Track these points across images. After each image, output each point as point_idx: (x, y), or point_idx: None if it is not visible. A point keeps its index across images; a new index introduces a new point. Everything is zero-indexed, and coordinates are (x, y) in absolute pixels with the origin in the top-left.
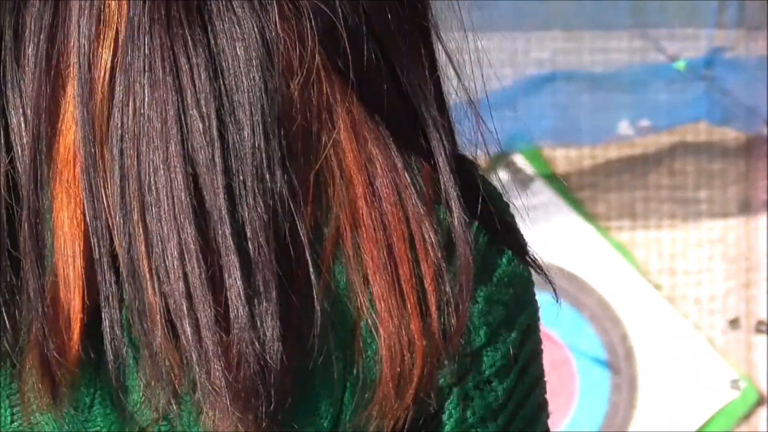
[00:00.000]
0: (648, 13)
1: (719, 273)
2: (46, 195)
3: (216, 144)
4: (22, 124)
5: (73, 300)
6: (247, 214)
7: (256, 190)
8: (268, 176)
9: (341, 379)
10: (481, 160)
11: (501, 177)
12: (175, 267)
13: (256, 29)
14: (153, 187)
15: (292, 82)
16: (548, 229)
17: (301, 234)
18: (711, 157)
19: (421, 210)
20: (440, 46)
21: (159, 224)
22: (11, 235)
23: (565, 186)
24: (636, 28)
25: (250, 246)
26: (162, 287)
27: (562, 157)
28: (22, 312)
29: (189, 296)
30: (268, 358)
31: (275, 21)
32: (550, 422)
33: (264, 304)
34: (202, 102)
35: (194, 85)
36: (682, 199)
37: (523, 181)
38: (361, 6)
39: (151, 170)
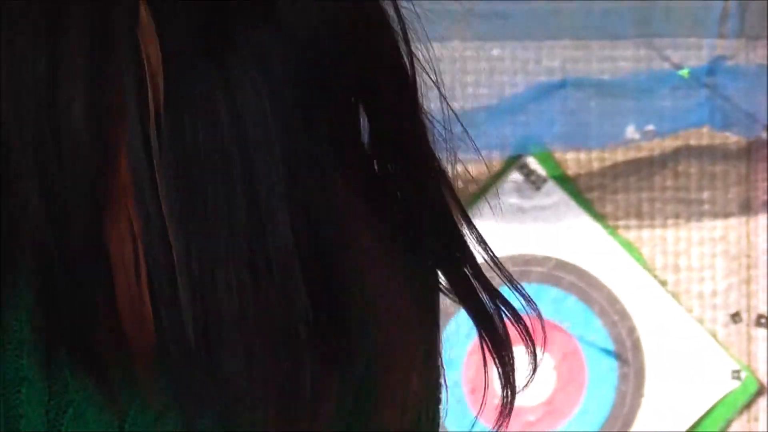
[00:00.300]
0: (652, 24)
1: (721, 270)
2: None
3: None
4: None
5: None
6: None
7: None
8: None
9: None
10: (497, 162)
11: (516, 178)
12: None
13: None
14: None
15: None
16: (559, 228)
17: None
18: (713, 160)
19: None
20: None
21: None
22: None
23: (575, 187)
24: (641, 38)
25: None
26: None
27: (573, 160)
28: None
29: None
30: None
31: None
32: (563, 409)
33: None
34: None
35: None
36: (686, 199)
37: (535, 183)
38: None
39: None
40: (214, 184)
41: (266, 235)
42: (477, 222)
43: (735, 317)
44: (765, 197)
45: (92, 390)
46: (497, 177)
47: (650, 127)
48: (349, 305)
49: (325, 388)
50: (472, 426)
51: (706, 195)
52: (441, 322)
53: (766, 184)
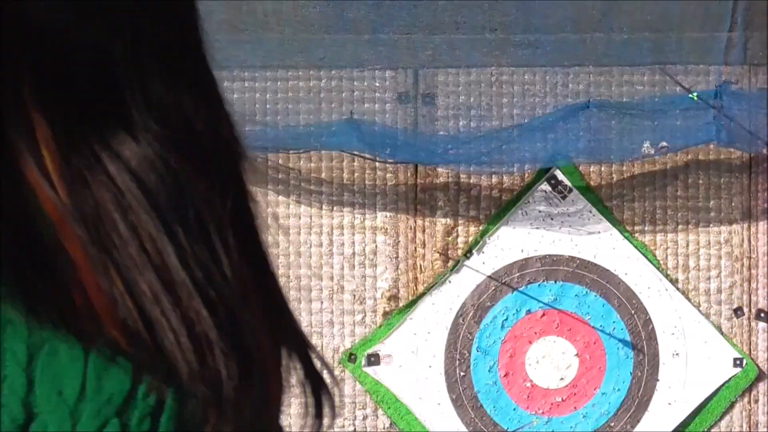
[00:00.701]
0: (666, 53)
1: (725, 269)
2: None
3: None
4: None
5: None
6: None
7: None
8: None
9: None
10: (528, 174)
11: (545, 188)
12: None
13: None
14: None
15: None
16: (582, 232)
17: None
18: (719, 172)
19: None
20: None
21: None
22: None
23: (597, 196)
24: (656, 65)
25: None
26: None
27: (595, 172)
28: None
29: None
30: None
31: None
32: (585, 392)
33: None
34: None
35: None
36: (694, 207)
37: (562, 192)
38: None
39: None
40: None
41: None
42: (511, 227)
43: (737, 312)
44: (765, 206)
45: (64, 332)
46: (529, 187)
47: (664, 144)
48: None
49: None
50: (505, 403)
51: (712, 203)
52: (480, 315)
53: (766, 194)
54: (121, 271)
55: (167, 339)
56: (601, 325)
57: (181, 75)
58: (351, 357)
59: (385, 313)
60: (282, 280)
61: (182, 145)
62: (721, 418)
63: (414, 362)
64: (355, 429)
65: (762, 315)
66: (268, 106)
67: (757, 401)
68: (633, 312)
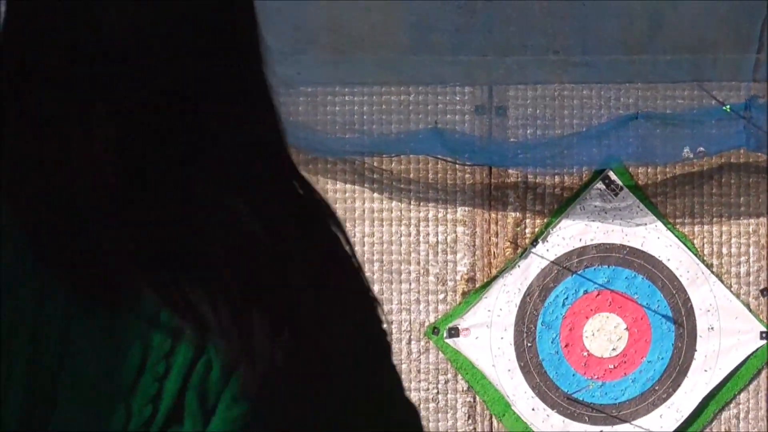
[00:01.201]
0: (703, 71)
1: (753, 256)
2: None
3: None
4: None
5: None
6: None
7: None
8: None
9: None
10: (586, 175)
11: (600, 186)
12: None
13: None
14: None
15: None
16: (631, 224)
17: None
18: (748, 173)
19: None
20: None
21: None
22: None
23: (644, 193)
24: (695, 82)
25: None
26: None
27: (642, 173)
28: None
29: None
30: None
31: None
32: (634, 360)
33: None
34: None
35: None
36: (727, 203)
37: (614, 190)
38: None
39: None
40: None
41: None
42: (571, 220)
43: (764, 291)
44: None
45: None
46: (586, 186)
47: (701, 149)
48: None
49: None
50: (565, 370)
51: (742, 199)
52: (545, 294)
53: None
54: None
55: (202, 300)
56: (647, 303)
57: (242, 118)
58: (435, 330)
59: (464, 293)
60: (377, 265)
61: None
62: (750, 383)
63: (488, 335)
64: (438, 391)
65: None
66: (365, 117)
67: None
68: (674, 292)
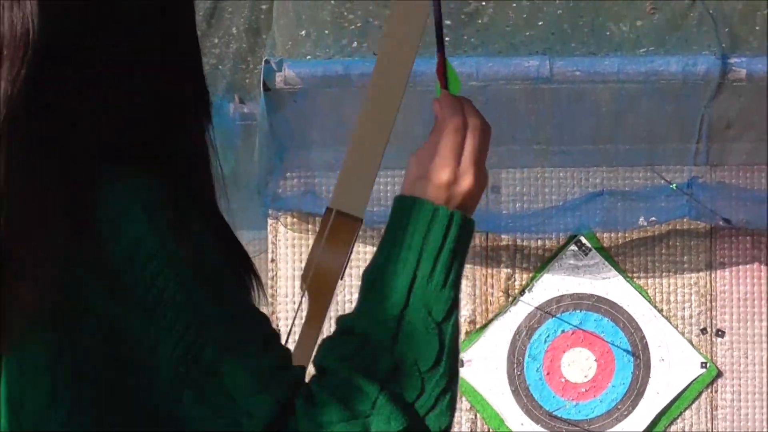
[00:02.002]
0: (655, 158)
1: (695, 302)
2: None
3: None
4: None
5: None
6: None
7: None
8: None
9: None
10: (562, 239)
11: (573, 248)
12: None
13: None
14: None
15: None
16: (598, 278)
17: None
18: (690, 238)
19: None
20: None
21: None
22: None
23: (608, 254)
24: (649, 166)
25: None
26: None
27: (607, 238)
28: None
29: None
30: None
31: None
32: (601, 385)
33: None
34: None
35: None
36: (674, 261)
37: (584, 251)
38: None
39: None
40: None
41: None
42: (551, 274)
43: (703, 330)
44: (723, 260)
45: None
46: (562, 248)
47: (653, 219)
48: None
49: None
50: (547, 393)
51: (686, 258)
52: (530, 333)
53: (723, 252)
54: None
55: None
56: (611, 340)
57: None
58: None
59: (467, 333)
60: None
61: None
62: (692, 402)
63: (486, 365)
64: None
65: (719, 333)
66: (389, 194)
67: (716, 392)
68: (633, 331)
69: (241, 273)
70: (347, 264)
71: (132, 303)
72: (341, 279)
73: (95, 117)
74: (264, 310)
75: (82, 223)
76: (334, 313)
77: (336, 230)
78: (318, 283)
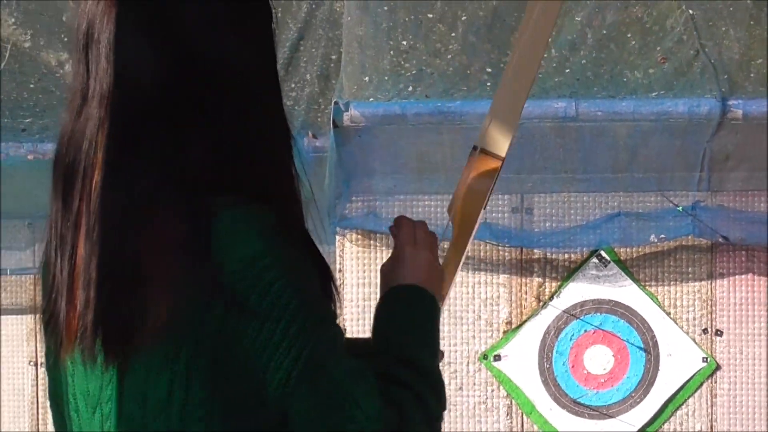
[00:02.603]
0: (664, 185)
1: (698, 307)
2: None
3: None
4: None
5: None
6: None
7: None
8: None
9: None
10: (585, 253)
11: (595, 261)
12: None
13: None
14: None
15: None
16: (615, 286)
17: None
18: (694, 253)
19: None
20: None
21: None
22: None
23: (624, 265)
24: (659, 191)
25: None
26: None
27: (623, 252)
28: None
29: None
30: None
31: None
32: (617, 377)
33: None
34: None
35: None
36: (680, 271)
37: (604, 263)
38: None
39: None
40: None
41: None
42: (576, 283)
43: (705, 330)
44: (722, 271)
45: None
46: (585, 261)
47: (663, 236)
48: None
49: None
50: (572, 383)
51: (690, 269)
52: (558, 332)
53: (722, 264)
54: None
55: None
56: (626, 338)
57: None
58: (485, 356)
59: (504, 332)
60: (446, 313)
61: None
62: (695, 391)
63: (520, 360)
64: (487, 397)
65: (718, 332)
66: (438, 215)
67: (715, 382)
68: (645, 331)
69: (325, 284)
70: (491, 194)
71: (246, 311)
72: (484, 209)
73: (214, 158)
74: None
75: (202, 250)
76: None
77: (480, 166)
78: (463, 214)
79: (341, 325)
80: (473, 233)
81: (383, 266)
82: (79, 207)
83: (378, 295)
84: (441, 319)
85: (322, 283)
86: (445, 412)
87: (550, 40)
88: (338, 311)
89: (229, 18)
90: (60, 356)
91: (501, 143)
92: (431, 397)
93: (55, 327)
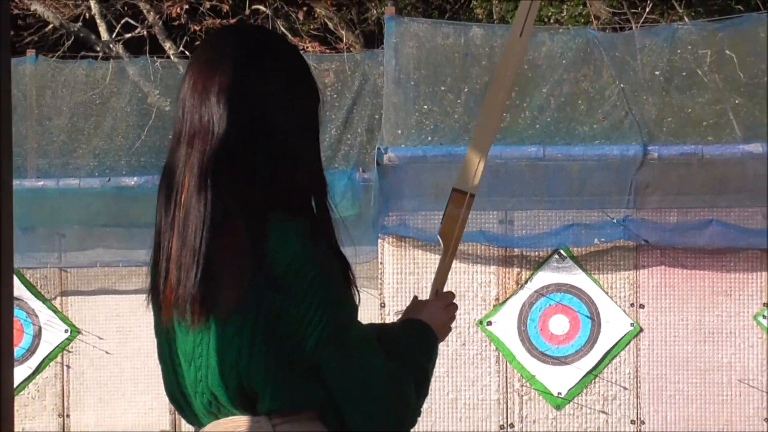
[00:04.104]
0: (604, 204)
1: (627, 287)
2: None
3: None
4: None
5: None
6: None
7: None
8: None
9: None
10: (549, 251)
11: (556, 256)
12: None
13: None
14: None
15: None
16: (570, 274)
17: None
18: (623, 252)
19: None
20: None
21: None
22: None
23: (577, 260)
24: (600, 209)
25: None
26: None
27: (576, 251)
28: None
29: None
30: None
31: None
32: (572, 337)
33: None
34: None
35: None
36: (614, 264)
37: (563, 258)
38: None
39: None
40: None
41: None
42: (543, 271)
43: (632, 305)
44: (643, 263)
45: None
46: (549, 257)
47: (603, 239)
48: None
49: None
50: (541, 341)
51: (621, 262)
52: (530, 306)
53: (644, 259)
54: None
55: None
56: (578, 310)
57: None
58: (481, 322)
59: (494, 306)
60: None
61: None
62: (625, 346)
63: (505, 325)
64: (482, 350)
65: (641, 306)
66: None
67: (639, 341)
68: (590, 305)
69: (345, 273)
70: (464, 220)
71: (290, 295)
72: (459, 234)
73: (268, 182)
74: (360, 295)
75: (260, 250)
76: None
77: (455, 201)
78: (447, 233)
79: (381, 299)
80: (456, 246)
81: (417, 300)
82: (174, 214)
83: (407, 286)
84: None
85: (343, 273)
86: (449, 368)
87: (507, 105)
88: (355, 291)
89: (285, 98)
90: (162, 322)
91: (469, 183)
92: (419, 383)
93: (156, 299)
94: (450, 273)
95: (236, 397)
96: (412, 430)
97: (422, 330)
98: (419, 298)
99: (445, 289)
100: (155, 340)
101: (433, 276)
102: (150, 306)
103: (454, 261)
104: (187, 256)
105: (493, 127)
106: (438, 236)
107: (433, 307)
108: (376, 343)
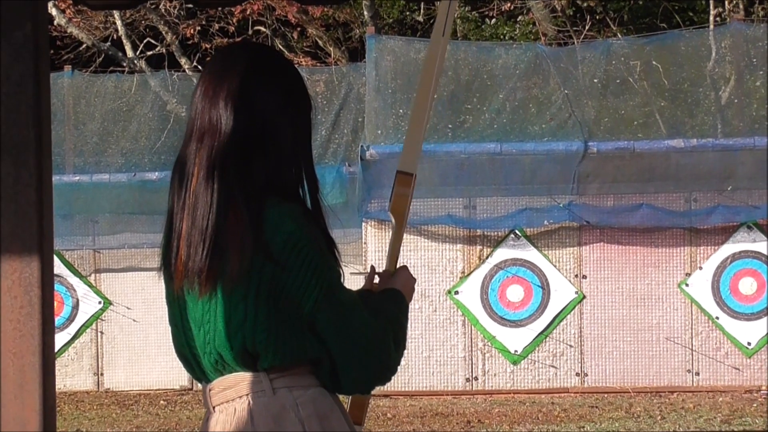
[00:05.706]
0: (553, 191)
1: (572, 260)
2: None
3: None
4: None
5: None
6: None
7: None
8: None
9: None
10: (506, 230)
11: (513, 236)
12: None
13: None
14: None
15: None
16: (525, 250)
17: None
18: (569, 232)
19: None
20: None
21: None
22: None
23: (530, 238)
24: (550, 195)
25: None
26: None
27: (530, 231)
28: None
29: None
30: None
31: None
32: (527, 303)
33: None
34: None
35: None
36: (561, 242)
37: (519, 237)
38: None
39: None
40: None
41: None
42: (503, 248)
43: (576, 276)
44: (585, 241)
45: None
46: (506, 236)
47: (552, 221)
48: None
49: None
50: (500, 307)
51: (567, 240)
52: (492, 277)
53: (586, 237)
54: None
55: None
56: (531, 281)
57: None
58: (449, 292)
59: (461, 277)
60: (425, 268)
61: None
62: (571, 311)
63: (470, 294)
64: (450, 315)
65: (584, 276)
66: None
67: (583, 306)
68: (541, 276)
69: (330, 248)
70: (411, 198)
71: (287, 268)
72: (408, 209)
73: (266, 173)
74: (347, 269)
75: (259, 229)
76: None
77: (401, 181)
78: (398, 210)
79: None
80: (404, 223)
81: (387, 272)
82: (185, 199)
83: (383, 262)
84: (423, 273)
85: (329, 248)
86: (422, 331)
87: (435, 96)
88: (340, 262)
89: (284, 105)
90: (173, 291)
91: (412, 164)
92: (398, 336)
93: (168, 271)
94: (423, 251)
95: (239, 356)
96: (392, 381)
97: (398, 296)
98: (377, 269)
99: (421, 265)
100: (167, 306)
101: (398, 251)
102: (162, 277)
103: (427, 240)
104: (195, 235)
105: (425, 117)
106: (389, 213)
107: (402, 278)
108: (362, 303)
